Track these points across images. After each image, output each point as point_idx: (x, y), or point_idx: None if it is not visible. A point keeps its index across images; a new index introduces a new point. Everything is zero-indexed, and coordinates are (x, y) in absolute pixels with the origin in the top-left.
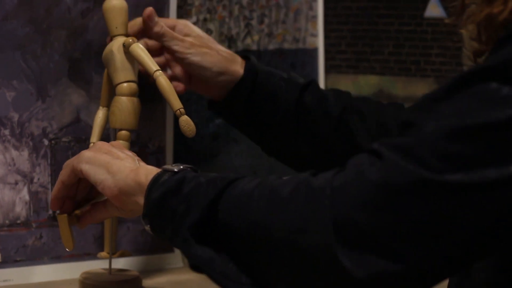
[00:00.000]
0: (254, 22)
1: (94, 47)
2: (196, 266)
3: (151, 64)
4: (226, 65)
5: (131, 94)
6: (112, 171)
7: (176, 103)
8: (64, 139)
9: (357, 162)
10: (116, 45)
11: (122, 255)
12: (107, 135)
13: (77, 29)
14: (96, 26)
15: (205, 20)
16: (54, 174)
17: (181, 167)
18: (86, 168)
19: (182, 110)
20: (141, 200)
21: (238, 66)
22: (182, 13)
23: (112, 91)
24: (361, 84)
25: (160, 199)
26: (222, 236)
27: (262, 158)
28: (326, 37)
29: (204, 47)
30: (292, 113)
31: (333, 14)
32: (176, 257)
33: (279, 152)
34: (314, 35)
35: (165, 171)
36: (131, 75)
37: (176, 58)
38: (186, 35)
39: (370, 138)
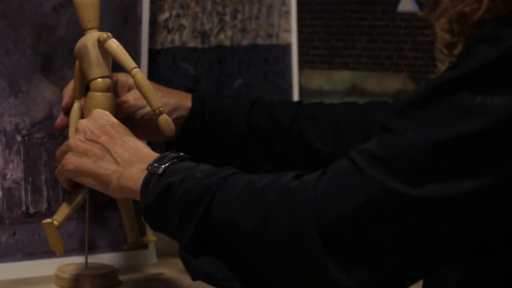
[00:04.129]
0: (227, 18)
1: (67, 43)
2: (197, 277)
3: (128, 61)
4: (174, 101)
5: (106, 90)
6: (102, 182)
7: (155, 102)
8: (37, 135)
9: (339, 172)
10: (90, 40)
11: (148, 241)
12: None
13: (49, 24)
14: (69, 22)
15: (178, 15)
16: (28, 170)
17: (166, 164)
18: (82, 180)
19: (162, 109)
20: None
21: (185, 100)
22: (155, 8)
23: (85, 83)
24: (335, 80)
25: (154, 207)
26: (217, 246)
27: None
28: (300, 32)
29: None
30: (245, 133)
31: (306, 9)
32: (151, 254)
33: None
34: (288, 31)
35: (151, 175)
36: (106, 71)
37: (128, 118)
38: (129, 88)
39: (325, 140)
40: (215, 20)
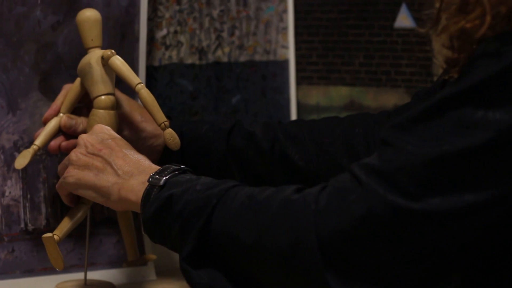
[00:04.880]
0: (225, 34)
1: (64, 60)
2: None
3: (132, 77)
4: (152, 129)
5: (110, 107)
6: (103, 194)
7: (160, 117)
8: None
9: (340, 186)
10: (94, 58)
11: (147, 259)
12: None
13: (47, 42)
14: (66, 39)
15: (175, 32)
16: (26, 187)
17: (167, 176)
18: (82, 193)
19: (167, 123)
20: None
21: None
22: (153, 25)
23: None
24: (332, 95)
25: (154, 219)
26: (217, 258)
27: None
28: (297, 48)
29: (128, 118)
30: (225, 158)
31: (303, 25)
32: (150, 270)
33: None
34: (285, 47)
35: (152, 186)
36: (110, 88)
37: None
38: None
39: (308, 159)
40: (213, 36)
